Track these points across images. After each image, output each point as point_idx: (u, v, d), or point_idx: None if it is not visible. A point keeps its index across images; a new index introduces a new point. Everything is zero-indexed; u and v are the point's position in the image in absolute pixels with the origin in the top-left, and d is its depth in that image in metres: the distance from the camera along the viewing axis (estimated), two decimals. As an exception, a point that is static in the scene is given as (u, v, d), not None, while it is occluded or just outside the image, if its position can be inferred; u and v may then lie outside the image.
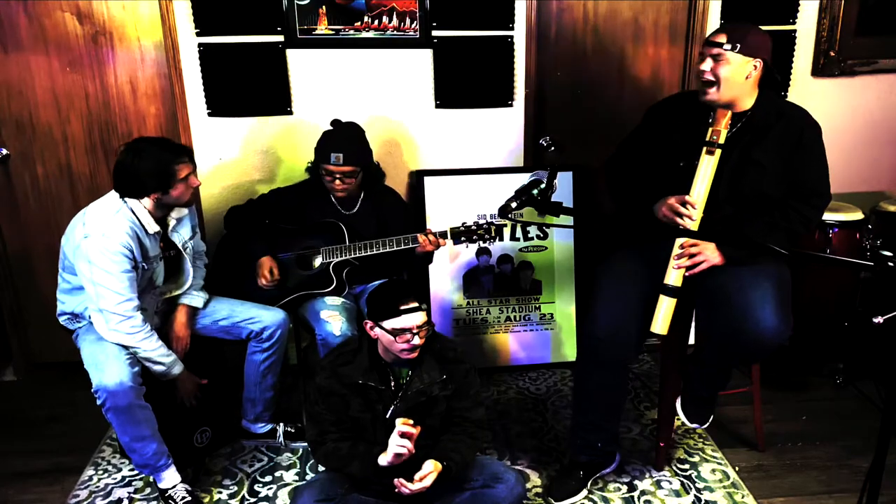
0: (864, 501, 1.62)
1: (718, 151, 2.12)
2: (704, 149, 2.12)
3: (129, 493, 2.45)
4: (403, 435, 1.91)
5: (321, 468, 2.22)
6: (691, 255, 2.12)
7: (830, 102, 3.26)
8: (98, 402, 2.20)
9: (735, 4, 3.07)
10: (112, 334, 2.22)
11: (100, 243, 2.16)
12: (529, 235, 3.23)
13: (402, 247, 2.54)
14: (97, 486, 2.48)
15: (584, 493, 2.41)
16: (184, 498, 2.33)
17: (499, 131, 3.16)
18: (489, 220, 2.58)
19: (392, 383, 2.07)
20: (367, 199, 2.73)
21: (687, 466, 2.57)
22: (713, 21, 3.09)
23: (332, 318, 2.51)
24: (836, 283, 3.02)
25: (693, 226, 2.11)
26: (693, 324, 2.48)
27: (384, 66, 3.00)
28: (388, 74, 3.01)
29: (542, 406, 2.98)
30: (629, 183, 2.37)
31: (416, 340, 1.97)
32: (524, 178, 1.86)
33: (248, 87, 2.93)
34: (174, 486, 2.34)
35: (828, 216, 2.90)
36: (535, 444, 2.71)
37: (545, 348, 3.28)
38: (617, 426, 2.43)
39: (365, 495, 2.04)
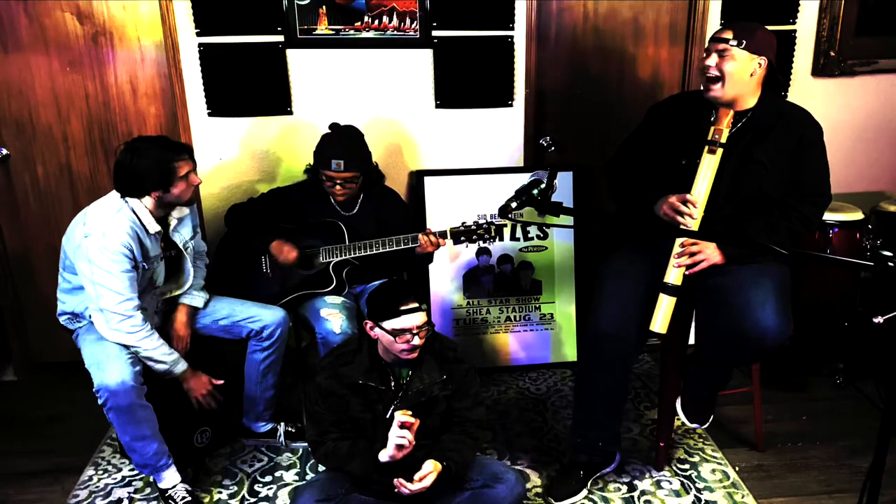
0: (864, 501, 1.61)
1: (720, 150, 2.12)
2: (706, 147, 2.13)
3: (129, 493, 2.45)
4: (403, 426, 1.91)
5: (321, 468, 2.22)
6: (692, 254, 2.12)
7: (830, 102, 3.26)
8: (99, 401, 2.20)
9: (735, 4, 3.07)
10: (112, 334, 2.22)
11: (100, 243, 2.16)
12: (529, 235, 3.23)
13: (402, 247, 2.54)
14: (97, 486, 2.48)
15: (584, 493, 2.41)
16: (184, 498, 2.33)
17: (499, 131, 3.16)
18: (489, 220, 2.58)
19: (392, 383, 2.07)
20: (367, 200, 2.73)
21: (687, 466, 2.57)
22: (713, 21, 3.09)
23: (332, 317, 2.52)
24: (836, 283, 3.02)
25: (694, 225, 2.12)
26: (693, 324, 2.48)
27: (384, 67, 3.00)
28: (388, 74, 3.01)
29: (542, 406, 2.98)
30: (630, 181, 2.37)
31: (416, 341, 1.98)
32: (524, 178, 1.86)
33: (249, 87, 2.93)
34: (174, 486, 2.34)
35: (828, 216, 2.90)
36: (535, 444, 2.71)
37: (545, 348, 3.28)
38: (618, 425, 2.43)
39: (365, 495, 2.04)
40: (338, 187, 2.59)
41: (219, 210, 2.94)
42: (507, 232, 3.18)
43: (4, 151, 2.97)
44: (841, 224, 2.95)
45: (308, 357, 2.98)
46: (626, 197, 2.38)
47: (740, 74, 2.11)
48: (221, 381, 2.44)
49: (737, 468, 2.56)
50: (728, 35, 2.10)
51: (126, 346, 2.23)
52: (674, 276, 2.12)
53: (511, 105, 3.12)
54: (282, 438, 2.69)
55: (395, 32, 2.94)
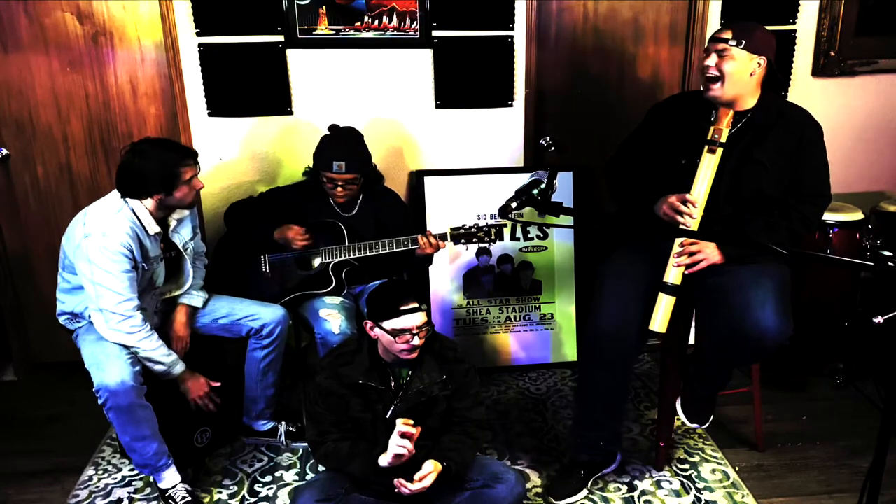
0: (864, 501, 1.61)
1: (720, 150, 2.12)
2: (706, 147, 2.13)
3: (129, 493, 2.45)
4: (403, 435, 1.92)
5: (321, 468, 2.22)
6: (691, 254, 2.12)
7: (830, 102, 3.26)
8: (99, 401, 2.20)
9: (735, 4, 3.08)
10: (112, 334, 2.22)
11: (100, 243, 2.16)
12: (529, 235, 3.23)
13: (402, 248, 2.54)
14: (97, 486, 2.48)
15: (585, 492, 2.41)
16: (184, 498, 2.33)
17: (499, 131, 3.16)
18: (489, 221, 2.58)
19: (392, 383, 2.07)
20: (367, 201, 2.73)
21: (687, 466, 2.57)
22: (713, 21, 3.09)
23: (331, 317, 2.52)
24: (836, 283, 3.02)
25: (693, 224, 2.12)
26: (693, 324, 2.48)
27: (384, 67, 3.00)
28: (388, 74, 3.01)
29: (542, 406, 2.98)
30: (630, 181, 2.37)
31: (416, 341, 1.98)
32: (524, 178, 1.86)
33: (249, 87, 2.93)
34: (174, 486, 2.34)
35: (828, 216, 2.90)
36: (535, 444, 2.71)
37: (545, 348, 3.28)
38: (619, 425, 2.43)
39: (365, 495, 2.04)
40: (339, 189, 2.59)
41: (219, 210, 2.94)
42: (507, 232, 3.18)
43: (4, 151, 2.97)
44: (841, 224, 2.95)
45: (308, 357, 2.98)
46: (626, 197, 2.38)
47: (740, 74, 2.11)
48: (219, 384, 2.44)
49: (737, 468, 2.56)
50: (727, 35, 2.10)
51: (126, 347, 2.23)
52: (673, 275, 2.12)
53: (511, 105, 3.12)
54: (282, 438, 2.69)
55: (395, 32, 2.94)
